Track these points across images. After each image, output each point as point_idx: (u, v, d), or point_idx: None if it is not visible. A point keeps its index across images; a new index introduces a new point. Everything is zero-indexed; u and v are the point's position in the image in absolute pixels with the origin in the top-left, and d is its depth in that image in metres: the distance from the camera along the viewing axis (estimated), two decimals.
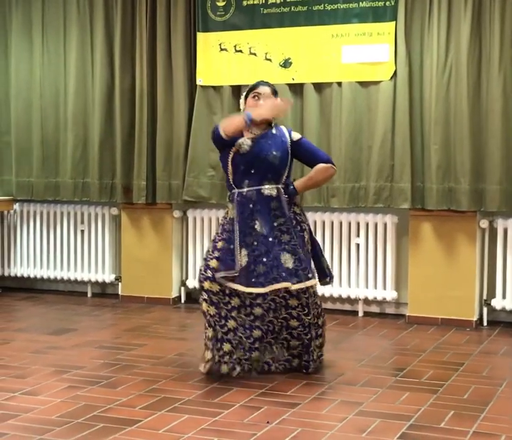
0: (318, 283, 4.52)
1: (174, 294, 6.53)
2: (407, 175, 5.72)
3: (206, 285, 4.31)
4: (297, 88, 6.03)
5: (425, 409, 3.84)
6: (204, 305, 4.34)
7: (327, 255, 6.07)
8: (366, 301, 6.10)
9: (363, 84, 5.85)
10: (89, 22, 6.58)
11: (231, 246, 4.27)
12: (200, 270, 4.40)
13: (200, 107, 6.23)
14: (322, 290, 6.08)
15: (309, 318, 4.36)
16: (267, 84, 4.54)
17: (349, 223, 6.06)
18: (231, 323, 4.31)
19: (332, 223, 6.09)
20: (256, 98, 4.42)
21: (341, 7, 5.87)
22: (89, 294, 6.87)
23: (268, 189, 4.34)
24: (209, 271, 4.31)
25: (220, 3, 6.23)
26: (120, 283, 6.71)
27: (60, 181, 6.73)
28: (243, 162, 4.34)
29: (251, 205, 4.31)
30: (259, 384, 4.22)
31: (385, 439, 3.45)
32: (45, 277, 6.97)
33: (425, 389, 4.16)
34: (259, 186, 4.33)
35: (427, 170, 5.70)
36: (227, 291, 4.28)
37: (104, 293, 6.91)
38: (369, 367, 4.61)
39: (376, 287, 6.01)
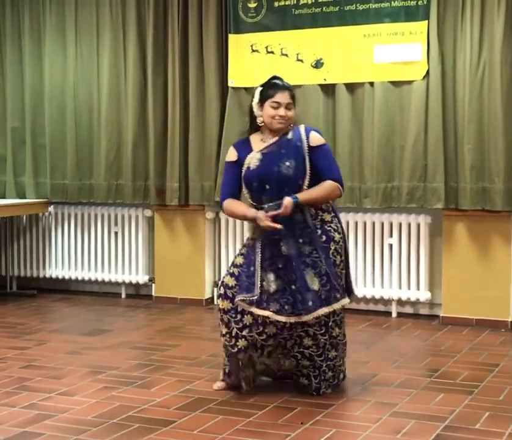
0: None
1: (207, 295, 6.55)
2: (441, 175, 5.68)
3: (219, 302, 4.05)
4: (329, 89, 6.02)
5: (460, 411, 3.82)
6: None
7: (359, 256, 6.07)
8: (400, 302, 6.06)
9: (396, 84, 5.82)
10: (122, 25, 6.63)
11: (252, 268, 3.97)
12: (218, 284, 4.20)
13: (232, 109, 6.25)
14: (355, 291, 6.06)
15: (325, 338, 4.00)
16: (284, 86, 4.09)
17: (382, 224, 6.04)
18: (242, 343, 3.99)
19: (365, 223, 6.07)
20: (276, 106, 4.02)
21: (373, 6, 5.85)
22: (123, 295, 6.92)
23: None
24: (222, 288, 4.04)
25: (252, 5, 6.25)
26: (153, 284, 6.75)
27: (94, 183, 6.79)
28: (255, 178, 4.01)
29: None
30: (292, 384, 4.22)
31: None
32: (80, 278, 7.04)
33: (460, 390, 4.13)
34: (278, 201, 3.94)
35: (460, 169, 5.66)
36: (239, 309, 3.96)
37: (137, 294, 6.95)
38: (403, 368, 4.58)
39: (409, 288, 5.97)
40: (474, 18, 5.56)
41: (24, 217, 7.18)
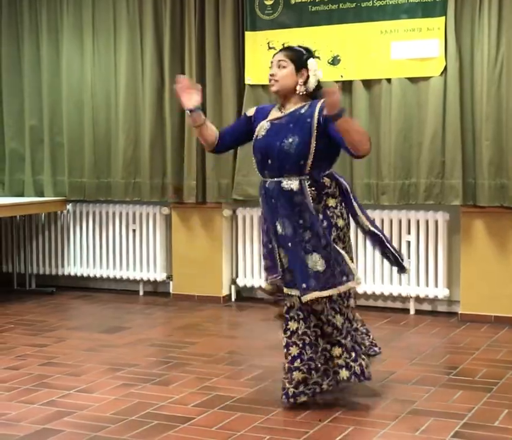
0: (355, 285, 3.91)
1: (224, 292, 6.56)
2: (458, 172, 5.65)
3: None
4: (346, 86, 6.00)
5: (479, 408, 3.81)
6: None
7: (377, 253, 6.01)
8: (418, 299, 6.04)
9: (413, 80, 5.80)
10: (138, 23, 6.65)
11: (270, 245, 3.90)
12: None
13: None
14: (372, 288, 6.07)
15: (341, 318, 3.81)
16: (285, 48, 3.99)
17: (400, 221, 6.02)
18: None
19: (382, 221, 6.06)
20: (270, 66, 3.92)
21: (390, 3, 5.83)
22: (141, 293, 6.94)
23: (287, 183, 3.79)
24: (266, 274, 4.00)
25: (268, 2, 6.25)
26: (171, 282, 6.77)
27: (112, 181, 6.82)
28: (259, 150, 3.88)
29: (273, 200, 3.83)
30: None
31: (439, 438, 3.43)
32: (98, 276, 7.07)
33: (478, 388, 4.12)
34: (279, 178, 3.82)
35: (478, 166, 5.63)
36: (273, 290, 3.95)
37: (155, 291, 6.97)
38: (421, 365, 4.57)
39: (427, 285, 5.95)
40: (492, 13, 5.52)
41: (43, 215, 7.22)
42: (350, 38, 5.97)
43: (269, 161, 3.84)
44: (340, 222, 3.84)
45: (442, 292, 5.90)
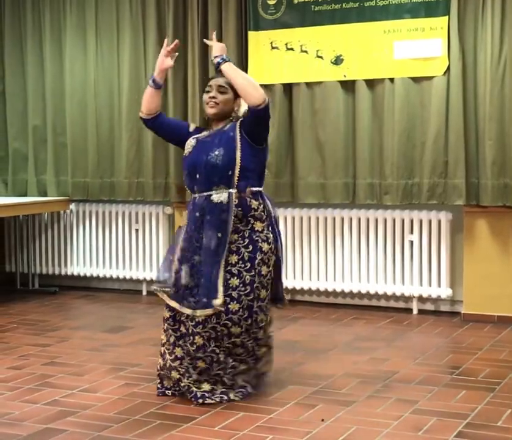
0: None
1: None
2: (461, 171, 5.65)
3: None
4: (348, 85, 6.01)
5: (482, 408, 3.80)
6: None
7: (380, 253, 6.05)
8: (421, 299, 6.04)
9: (416, 80, 5.79)
10: (141, 23, 6.66)
11: (171, 257, 4.04)
12: None
13: None
14: (375, 288, 6.06)
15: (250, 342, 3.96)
16: (221, 74, 4.03)
17: (403, 221, 6.02)
18: (178, 351, 4.01)
19: (385, 220, 6.05)
20: (209, 89, 4.03)
21: (393, 2, 5.83)
22: (144, 293, 6.94)
23: (217, 196, 3.90)
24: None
25: (271, 2, 6.24)
26: None
27: (115, 181, 6.82)
28: (187, 165, 4.03)
29: (197, 213, 3.93)
30: (314, 382, 4.22)
31: (442, 438, 3.43)
32: (101, 275, 7.08)
33: (481, 387, 4.12)
34: (208, 192, 3.93)
35: (482, 166, 5.62)
36: (176, 318, 3.99)
37: None
38: (424, 365, 4.57)
39: (430, 285, 5.95)
40: (495, 12, 5.52)
41: (46, 215, 7.23)
42: (353, 38, 5.96)
43: (197, 176, 3.96)
44: (265, 247, 3.93)
45: (445, 292, 5.90)
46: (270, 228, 3.98)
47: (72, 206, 7.13)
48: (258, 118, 3.90)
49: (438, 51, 5.70)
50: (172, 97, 6.50)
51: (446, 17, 5.67)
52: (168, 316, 4.05)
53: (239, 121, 4.00)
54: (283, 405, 3.88)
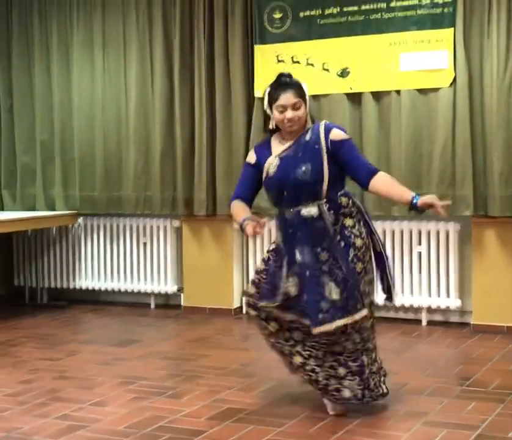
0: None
1: (235, 304, 6.57)
2: (469, 182, 5.65)
3: (248, 310, 4.09)
4: (355, 98, 6.02)
5: (492, 419, 3.79)
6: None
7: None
8: (430, 310, 6.03)
9: (422, 92, 5.80)
10: (148, 39, 6.69)
11: (272, 274, 3.91)
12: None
13: (258, 119, 6.25)
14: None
15: (352, 344, 3.85)
16: (286, 86, 3.86)
17: (411, 232, 6.02)
18: (297, 359, 3.96)
19: (393, 231, 6.06)
20: (282, 110, 3.83)
21: (399, 15, 5.84)
22: (152, 306, 6.95)
23: (307, 211, 3.81)
24: (245, 297, 4.15)
25: (277, 16, 6.27)
26: (182, 294, 6.78)
27: (123, 194, 6.84)
28: (272, 186, 3.89)
29: (290, 230, 3.85)
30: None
31: None
32: (109, 289, 7.09)
33: (492, 398, 4.11)
34: (297, 208, 3.83)
35: (489, 176, 5.62)
36: (263, 316, 3.93)
37: (167, 304, 6.98)
38: (434, 377, 4.56)
39: (439, 295, 5.94)
40: (500, 23, 5.53)
41: (54, 229, 7.25)
42: (359, 51, 5.98)
43: (285, 193, 3.85)
44: (358, 242, 3.83)
45: (454, 302, 5.89)
46: (362, 223, 3.88)
47: (80, 220, 7.15)
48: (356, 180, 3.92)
49: (445, 62, 5.71)
50: (179, 112, 6.51)
51: (452, 29, 5.68)
52: (274, 330, 3.96)
53: (322, 131, 3.85)
54: (293, 418, 3.87)
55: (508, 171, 5.56)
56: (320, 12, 6.10)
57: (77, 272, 7.21)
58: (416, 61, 5.81)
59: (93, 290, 7.16)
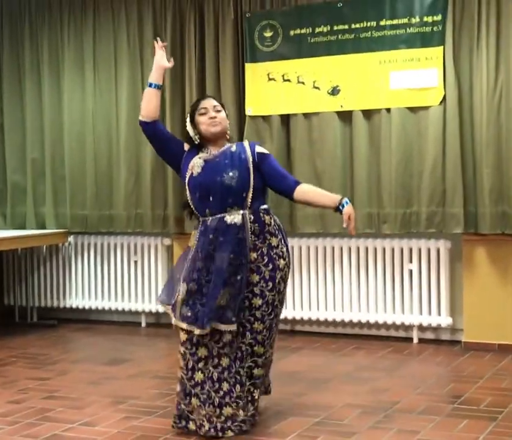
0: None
1: None
2: (459, 199, 5.66)
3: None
4: (345, 116, 6.03)
5: (484, 437, 3.78)
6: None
7: (379, 282, 6.05)
8: (421, 328, 6.03)
9: (412, 110, 5.82)
10: (139, 57, 6.69)
11: (178, 275, 4.04)
12: None
13: (250, 137, 6.25)
14: (375, 317, 6.05)
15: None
16: (207, 96, 4.32)
17: (401, 249, 6.02)
18: (199, 376, 3.94)
19: (384, 249, 6.06)
20: (205, 111, 3.99)
21: (389, 33, 5.87)
22: (143, 324, 6.93)
23: (231, 217, 3.87)
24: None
25: (268, 34, 6.29)
26: None
27: (114, 212, 6.83)
28: (198, 187, 3.93)
29: (211, 235, 3.87)
30: (315, 413, 4.20)
31: None
32: (100, 307, 7.06)
33: (484, 417, 4.10)
34: (221, 214, 3.89)
35: (479, 194, 5.64)
36: (194, 341, 3.92)
37: (158, 322, 6.95)
38: (425, 395, 4.55)
39: (430, 313, 5.94)
40: (490, 41, 5.56)
41: (44, 247, 7.23)
42: (349, 69, 6.00)
43: (211, 198, 3.91)
44: (281, 263, 3.95)
45: (445, 320, 5.89)
46: (283, 242, 3.98)
47: (71, 238, 7.13)
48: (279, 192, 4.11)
49: (434, 80, 5.74)
50: (170, 129, 6.48)
51: (442, 47, 5.71)
52: (185, 339, 3.97)
53: (247, 146, 4.01)
54: (283, 437, 3.85)
55: (498, 188, 5.58)
56: (310, 30, 6.12)
57: (68, 290, 7.18)
58: (406, 79, 5.83)
59: (84, 309, 7.13)
